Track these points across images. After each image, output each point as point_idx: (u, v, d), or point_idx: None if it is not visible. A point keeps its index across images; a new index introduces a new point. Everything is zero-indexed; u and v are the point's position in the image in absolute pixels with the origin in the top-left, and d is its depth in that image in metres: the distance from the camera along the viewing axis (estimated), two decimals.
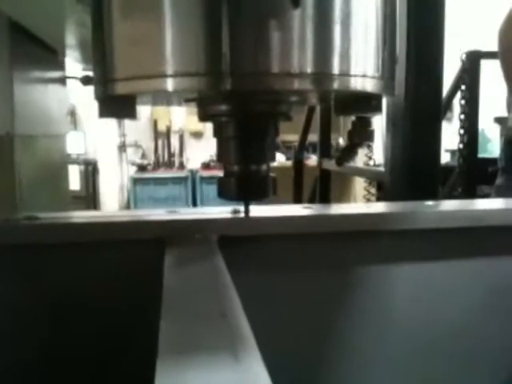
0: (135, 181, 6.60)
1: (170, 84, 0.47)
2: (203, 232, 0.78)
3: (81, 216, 0.85)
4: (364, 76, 0.49)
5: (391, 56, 0.53)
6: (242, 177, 0.57)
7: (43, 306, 0.80)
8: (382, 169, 1.91)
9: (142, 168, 6.79)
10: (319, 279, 0.86)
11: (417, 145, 1.52)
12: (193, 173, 6.67)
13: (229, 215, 0.82)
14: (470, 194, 2.42)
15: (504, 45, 1.69)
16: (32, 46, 1.73)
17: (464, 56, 2.47)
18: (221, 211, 0.83)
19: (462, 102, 2.50)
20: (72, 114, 6.14)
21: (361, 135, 0.60)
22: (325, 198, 2.82)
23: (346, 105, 0.56)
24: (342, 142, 4.56)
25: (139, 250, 0.79)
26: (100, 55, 0.52)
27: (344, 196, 4.64)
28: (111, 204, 6.86)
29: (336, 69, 0.48)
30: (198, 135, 6.99)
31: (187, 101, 0.58)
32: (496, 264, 0.90)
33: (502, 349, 0.92)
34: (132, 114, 0.54)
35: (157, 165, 6.90)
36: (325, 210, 0.91)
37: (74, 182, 5.39)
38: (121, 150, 7.07)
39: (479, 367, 0.92)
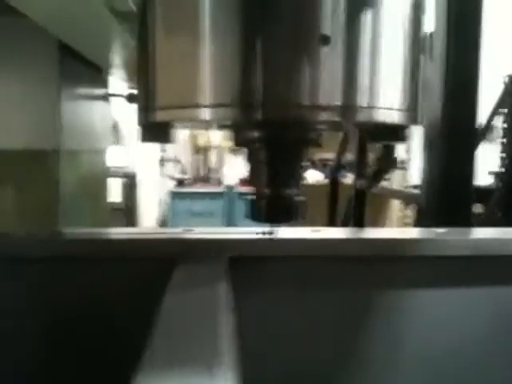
0: (174, 195, 6.71)
1: (205, 114, 0.50)
2: (214, 252, 0.80)
3: (103, 233, 0.88)
4: (389, 108, 0.52)
5: (415, 87, 0.55)
6: (269, 200, 0.60)
7: (57, 317, 0.84)
8: (417, 191, 1.90)
9: (180, 182, 6.90)
10: (334, 301, 0.87)
11: (452, 168, 1.52)
12: (229, 188, 6.74)
13: (240, 236, 0.84)
14: (510, 217, 2.38)
15: None
16: (79, 65, 1.81)
17: (507, 79, 2.45)
18: (237, 231, 0.86)
19: (504, 125, 2.47)
20: (114, 128, 6.29)
21: (387, 162, 0.63)
22: (359, 219, 2.81)
23: (374, 133, 0.59)
24: None
25: (152, 267, 0.81)
26: (143, 85, 0.56)
27: (379, 217, 4.59)
28: (150, 216, 6.97)
29: (363, 102, 0.50)
30: (236, 151, 7.06)
31: (221, 127, 0.61)
32: None
33: None
34: (170, 140, 0.58)
35: (195, 180, 7.00)
36: (337, 234, 0.91)
37: (116, 194, 5.50)
38: (160, 165, 7.20)
39: None
